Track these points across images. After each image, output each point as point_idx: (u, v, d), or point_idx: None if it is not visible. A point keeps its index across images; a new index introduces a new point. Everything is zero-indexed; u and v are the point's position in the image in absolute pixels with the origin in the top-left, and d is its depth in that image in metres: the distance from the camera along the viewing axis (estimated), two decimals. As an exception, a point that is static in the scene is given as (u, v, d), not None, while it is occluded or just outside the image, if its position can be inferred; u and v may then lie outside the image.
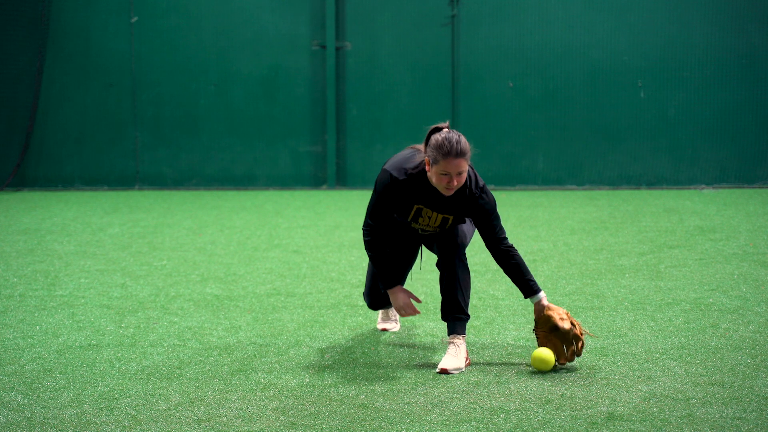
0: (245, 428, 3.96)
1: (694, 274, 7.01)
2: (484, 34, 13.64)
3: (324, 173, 13.99)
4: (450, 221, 4.89)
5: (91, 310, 6.13)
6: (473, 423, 4.00)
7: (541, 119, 13.71)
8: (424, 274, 7.04)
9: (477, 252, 8.06)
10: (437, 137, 4.67)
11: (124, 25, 13.94)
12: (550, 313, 4.83)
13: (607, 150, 13.68)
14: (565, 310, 4.88)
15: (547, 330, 4.81)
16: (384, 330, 5.59)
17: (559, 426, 3.95)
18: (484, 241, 4.92)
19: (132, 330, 5.61)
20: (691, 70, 13.48)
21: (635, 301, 6.19)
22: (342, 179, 13.93)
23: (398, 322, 5.64)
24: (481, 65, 13.68)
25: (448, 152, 4.60)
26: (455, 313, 4.91)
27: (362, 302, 6.29)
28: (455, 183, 4.67)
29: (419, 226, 4.97)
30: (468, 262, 5.03)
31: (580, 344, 4.78)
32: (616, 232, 9.17)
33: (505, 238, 4.92)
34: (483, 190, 4.83)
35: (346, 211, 11.13)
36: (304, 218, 10.59)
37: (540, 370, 4.72)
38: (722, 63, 13.44)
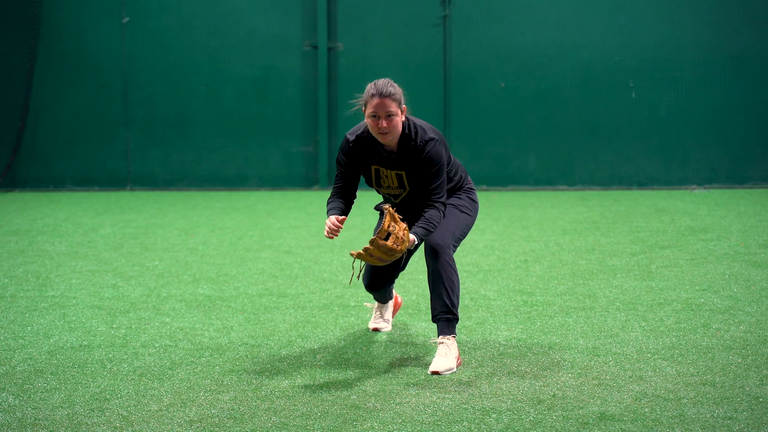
0: (237, 428, 3.96)
1: (685, 274, 7.02)
2: (476, 35, 13.65)
3: (316, 174, 13.99)
4: (405, 178, 4.93)
5: (82, 310, 6.12)
6: (465, 423, 4.00)
7: (532, 120, 13.72)
8: (416, 275, 7.05)
9: (468, 252, 8.07)
10: (368, 85, 4.85)
11: (115, 25, 13.93)
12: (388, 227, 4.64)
13: (599, 150, 13.70)
14: (400, 237, 4.66)
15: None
16: (376, 330, 5.59)
17: (550, 426, 3.95)
18: (422, 196, 4.93)
19: (123, 331, 5.61)
20: (682, 70, 13.51)
21: (627, 302, 6.20)
22: (334, 180, 13.92)
23: (390, 323, 5.65)
24: (472, 66, 13.70)
25: (374, 93, 4.78)
26: (443, 314, 4.91)
27: (354, 302, 6.29)
28: (384, 124, 4.78)
29: (386, 191, 5.06)
30: (455, 262, 5.03)
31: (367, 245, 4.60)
32: (607, 233, 9.18)
33: (437, 195, 4.88)
34: (429, 142, 4.86)
35: (337, 212, 11.12)
36: (295, 219, 10.58)
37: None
38: (713, 63, 13.48)
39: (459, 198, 5.15)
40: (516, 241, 8.72)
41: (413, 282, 6.84)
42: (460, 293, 6.31)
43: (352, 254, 4.56)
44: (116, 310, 6.12)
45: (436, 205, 4.90)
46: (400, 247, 4.63)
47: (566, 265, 7.53)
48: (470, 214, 5.17)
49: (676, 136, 13.60)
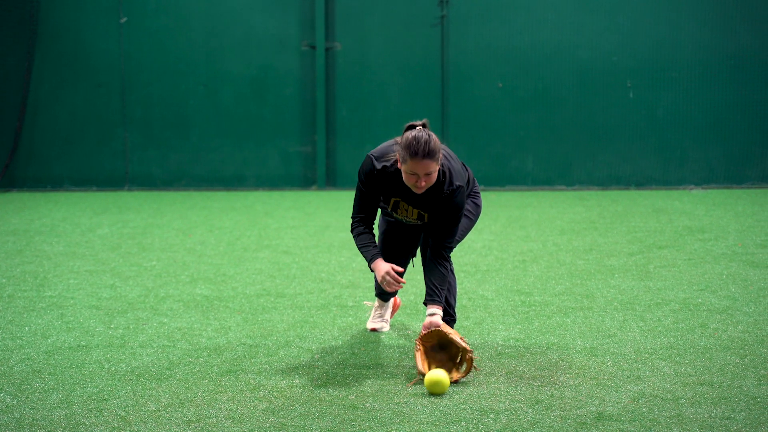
0: (235, 429, 3.96)
1: (683, 274, 7.03)
2: (474, 35, 13.65)
3: (314, 174, 13.99)
4: (426, 217, 4.86)
5: (80, 311, 6.11)
6: (463, 423, 4.00)
7: (530, 120, 13.73)
8: (415, 275, 7.05)
9: (466, 253, 8.07)
10: (407, 136, 4.60)
11: (113, 25, 13.92)
12: (442, 329, 4.67)
13: (597, 150, 13.70)
14: (457, 334, 4.71)
15: (431, 344, 4.71)
16: (374, 330, 5.59)
17: (548, 426, 3.95)
18: (430, 237, 4.85)
19: (121, 331, 5.60)
20: (679, 70, 13.52)
21: (624, 302, 6.20)
22: (332, 180, 13.92)
23: (388, 323, 5.65)
24: (470, 66, 13.69)
25: (415, 153, 4.54)
26: (442, 315, 4.91)
27: (352, 303, 6.30)
28: (423, 183, 4.61)
29: (400, 217, 4.96)
30: (453, 262, 5.03)
31: (468, 358, 4.56)
32: (605, 233, 9.18)
33: (450, 248, 4.84)
34: (457, 189, 4.74)
35: (335, 212, 11.13)
36: (293, 219, 10.58)
37: (435, 393, 4.39)
38: (711, 63, 13.48)
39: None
40: (514, 241, 8.72)
41: (411, 283, 6.84)
42: (458, 293, 6.33)
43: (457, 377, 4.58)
44: (114, 311, 6.12)
45: (446, 258, 4.83)
46: (459, 350, 4.63)
47: (564, 265, 7.53)
48: (472, 218, 5.16)
49: (674, 136, 13.61)
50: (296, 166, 14.02)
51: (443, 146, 4.81)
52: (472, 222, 5.17)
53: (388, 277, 4.76)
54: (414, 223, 4.98)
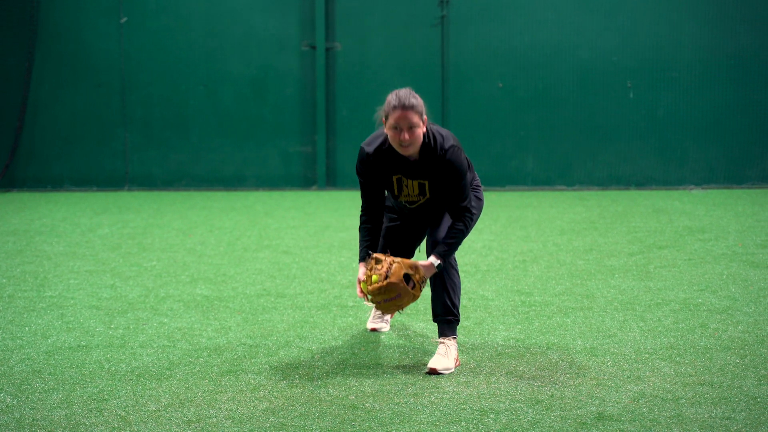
0: (235, 429, 3.96)
1: (683, 275, 7.03)
2: (474, 35, 13.65)
3: (314, 174, 13.98)
4: (427, 186, 4.90)
5: (80, 311, 6.11)
6: (463, 423, 4.00)
7: (530, 120, 13.73)
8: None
9: (466, 253, 8.07)
10: (389, 95, 4.77)
11: (113, 25, 13.92)
12: (407, 269, 4.69)
13: (597, 150, 13.71)
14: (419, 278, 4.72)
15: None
16: (374, 330, 5.59)
17: (548, 426, 3.95)
18: (448, 203, 4.92)
19: (121, 331, 5.60)
20: (680, 70, 13.52)
21: (625, 302, 6.20)
22: (332, 180, 13.92)
23: (388, 323, 5.65)
24: (470, 66, 13.70)
25: (396, 105, 4.68)
26: (445, 315, 4.91)
27: (352, 303, 6.29)
28: (407, 136, 4.70)
29: (405, 198, 4.99)
30: (457, 263, 5.03)
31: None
32: (605, 233, 9.18)
33: (462, 201, 4.87)
34: (450, 149, 4.81)
35: (335, 212, 11.13)
36: (293, 219, 10.58)
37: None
38: (711, 63, 13.48)
39: None
40: (514, 242, 8.72)
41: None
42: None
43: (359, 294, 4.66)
44: (114, 311, 6.12)
45: (463, 215, 4.86)
46: (390, 280, 4.63)
47: (564, 265, 7.53)
48: (474, 211, 5.16)
49: (674, 136, 13.61)
50: (296, 166, 14.02)
51: (441, 128, 4.92)
52: (476, 215, 5.18)
53: (359, 284, 4.87)
54: (419, 203, 4.99)
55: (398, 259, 4.75)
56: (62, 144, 14.08)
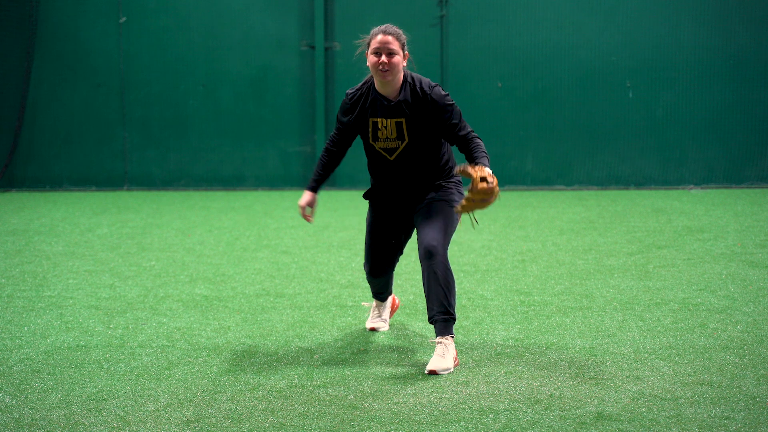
0: (234, 429, 3.96)
1: (682, 274, 7.03)
2: (473, 35, 13.65)
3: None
4: (405, 126, 4.95)
5: (79, 311, 6.11)
6: (462, 423, 4.00)
7: (529, 119, 13.73)
8: (413, 275, 7.05)
9: (465, 252, 8.07)
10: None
11: (112, 25, 13.92)
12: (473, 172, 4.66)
13: (596, 150, 13.71)
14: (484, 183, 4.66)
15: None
16: (373, 330, 5.59)
17: (548, 426, 3.95)
18: (450, 142, 5.02)
19: (120, 331, 5.60)
20: (679, 70, 13.53)
21: (624, 301, 6.20)
22: (331, 180, 13.92)
23: (387, 323, 5.65)
24: (469, 66, 13.70)
25: (377, 31, 4.97)
26: (441, 315, 4.90)
27: (351, 302, 6.30)
28: (385, 60, 4.90)
29: (383, 144, 5.03)
30: (450, 262, 5.01)
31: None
32: (604, 233, 9.18)
33: (468, 133, 4.94)
34: (435, 88, 4.93)
35: (335, 212, 11.13)
36: (293, 219, 10.58)
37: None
38: (710, 64, 13.49)
39: (449, 191, 5.11)
40: (513, 241, 8.72)
41: (410, 282, 6.84)
42: (457, 293, 6.32)
43: (457, 210, 4.70)
44: (113, 310, 6.12)
45: (470, 137, 4.92)
46: (489, 181, 4.60)
47: (563, 265, 7.53)
48: None
49: (673, 136, 13.61)
50: (295, 166, 14.02)
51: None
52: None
53: (300, 210, 5.20)
54: (398, 151, 5.02)
55: (476, 168, 4.69)
56: (61, 144, 14.08)
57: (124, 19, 13.90)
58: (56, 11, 13.94)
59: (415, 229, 5.14)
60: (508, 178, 13.78)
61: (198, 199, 12.74)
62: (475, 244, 8.53)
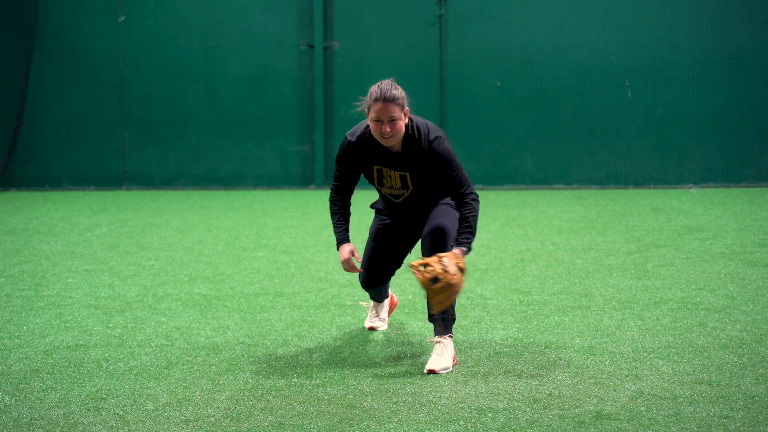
0: (233, 428, 3.96)
1: (681, 273, 7.03)
2: (472, 34, 13.65)
3: (312, 173, 13.99)
4: (408, 179, 4.93)
5: (78, 310, 6.11)
6: (461, 422, 4.00)
7: (529, 119, 13.73)
8: (412, 274, 7.05)
9: (465, 251, 8.07)
10: (372, 87, 4.84)
11: (111, 24, 13.91)
12: (439, 264, 4.64)
13: (595, 149, 13.71)
14: (453, 275, 4.65)
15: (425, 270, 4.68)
16: (372, 329, 5.59)
17: (547, 425, 3.95)
18: (447, 193, 4.99)
19: (119, 330, 5.60)
20: (678, 69, 13.53)
21: (623, 300, 6.20)
22: (330, 179, 13.92)
23: (386, 322, 5.65)
24: (469, 65, 13.70)
25: (377, 98, 4.77)
26: (440, 314, 4.90)
27: (350, 302, 6.30)
28: (388, 129, 4.77)
29: (388, 191, 5.03)
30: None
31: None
32: (603, 232, 9.19)
33: (463, 188, 4.90)
34: (435, 141, 4.85)
35: (334, 211, 11.12)
36: (292, 218, 10.58)
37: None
38: (709, 63, 13.49)
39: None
40: (512, 240, 8.72)
41: (409, 281, 6.84)
42: (457, 292, 6.31)
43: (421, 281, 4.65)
44: (112, 310, 6.12)
45: (467, 200, 4.88)
46: (449, 277, 4.61)
47: (562, 264, 7.53)
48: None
49: (672, 136, 13.62)
50: (295, 166, 14.02)
51: (424, 119, 4.96)
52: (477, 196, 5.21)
53: (346, 265, 5.05)
54: (404, 197, 5.02)
55: (444, 256, 4.69)
56: (60, 143, 14.07)
57: (123, 18, 13.90)
58: (55, 11, 13.93)
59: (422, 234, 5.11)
60: (507, 178, 13.78)
61: (197, 199, 12.74)
62: (474, 243, 8.53)
